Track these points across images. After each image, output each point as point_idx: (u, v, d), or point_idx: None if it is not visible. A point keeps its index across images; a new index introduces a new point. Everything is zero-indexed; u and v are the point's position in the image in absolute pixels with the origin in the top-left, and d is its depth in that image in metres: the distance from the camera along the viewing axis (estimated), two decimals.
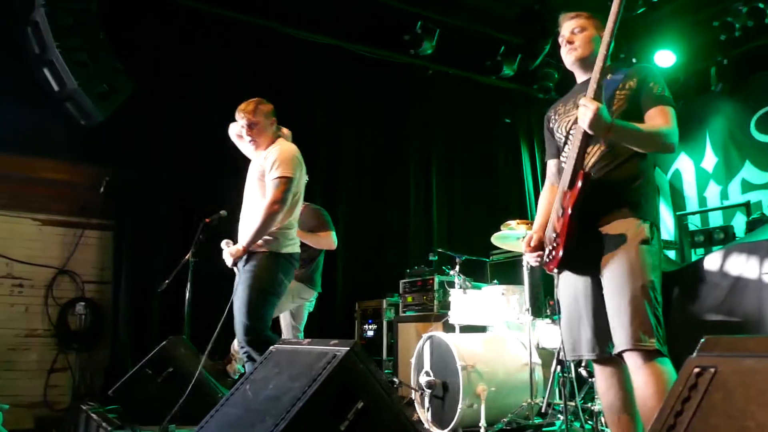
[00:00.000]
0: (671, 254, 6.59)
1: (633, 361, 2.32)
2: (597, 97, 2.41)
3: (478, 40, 7.40)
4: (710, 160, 7.48)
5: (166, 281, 4.99)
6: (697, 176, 7.62)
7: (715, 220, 7.27)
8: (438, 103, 7.86)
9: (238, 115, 3.75)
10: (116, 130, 5.83)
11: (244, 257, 3.54)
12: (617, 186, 2.49)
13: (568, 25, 2.70)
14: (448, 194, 7.80)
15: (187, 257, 4.82)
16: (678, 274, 5.09)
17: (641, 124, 2.46)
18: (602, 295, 2.45)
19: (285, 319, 4.88)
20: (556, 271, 2.63)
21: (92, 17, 5.32)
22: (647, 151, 2.51)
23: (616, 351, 2.35)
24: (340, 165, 7.01)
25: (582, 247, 2.48)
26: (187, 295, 4.74)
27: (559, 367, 3.70)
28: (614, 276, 2.38)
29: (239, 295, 3.49)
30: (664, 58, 7.08)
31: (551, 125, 2.83)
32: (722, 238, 6.36)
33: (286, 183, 3.50)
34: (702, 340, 1.62)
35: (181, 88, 6.15)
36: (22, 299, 5.51)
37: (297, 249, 3.71)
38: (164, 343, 4.05)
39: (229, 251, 3.54)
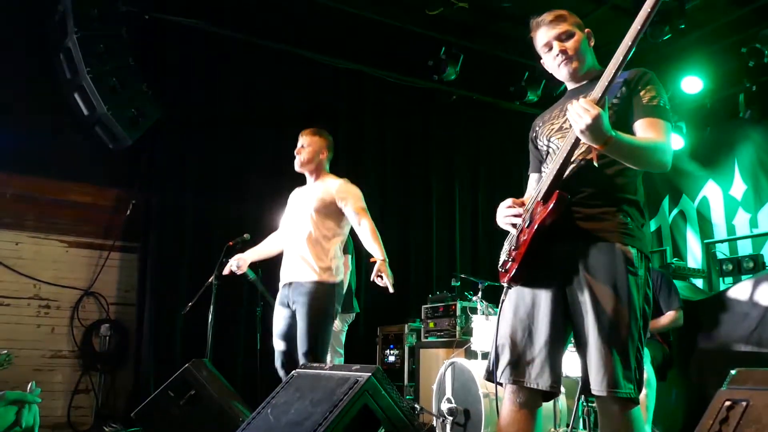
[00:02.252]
0: (699, 283, 6.48)
1: (606, 407, 2.10)
2: (601, 103, 2.01)
3: (503, 65, 7.44)
4: (739, 187, 7.37)
5: (190, 304, 5.00)
6: (725, 204, 7.50)
7: (744, 248, 7.13)
8: (462, 128, 7.87)
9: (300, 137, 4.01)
10: (143, 154, 5.95)
11: (305, 288, 3.61)
12: (601, 203, 2.20)
13: (551, 31, 2.32)
14: (472, 220, 7.77)
15: (210, 280, 4.83)
16: (706, 304, 5.01)
17: (637, 138, 2.15)
18: (562, 320, 2.19)
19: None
20: (505, 284, 2.35)
21: (122, 43, 5.43)
22: (640, 168, 2.19)
23: (594, 392, 2.08)
24: (363, 189, 6.98)
25: (547, 263, 2.23)
26: (210, 317, 4.75)
27: (583, 397, 3.64)
28: (595, 310, 2.09)
29: (300, 324, 3.57)
30: (692, 84, 7.03)
31: (533, 135, 2.51)
32: (752, 267, 6.27)
33: (367, 211, 3.90)
34: (733, 372, 1.58)
35: (206, 113, 6.24)
36: (49, 320, 5.57)
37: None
38: (187, 365, 4.05)
39: (377, 268, 3.68)
